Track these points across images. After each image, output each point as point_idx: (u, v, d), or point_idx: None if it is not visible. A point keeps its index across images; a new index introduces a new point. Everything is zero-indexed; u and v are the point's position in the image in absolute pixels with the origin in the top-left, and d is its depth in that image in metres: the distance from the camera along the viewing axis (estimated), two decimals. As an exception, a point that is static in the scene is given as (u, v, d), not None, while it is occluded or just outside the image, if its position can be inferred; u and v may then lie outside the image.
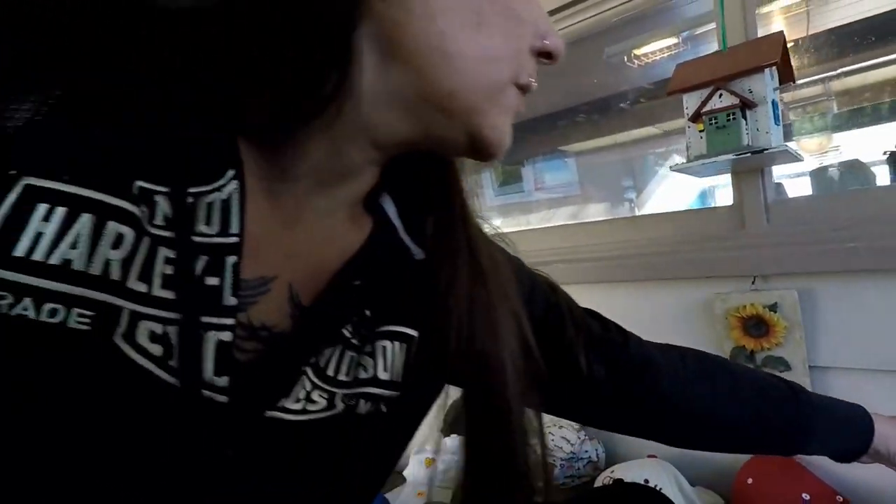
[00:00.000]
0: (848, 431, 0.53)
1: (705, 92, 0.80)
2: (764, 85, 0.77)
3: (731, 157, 0.76)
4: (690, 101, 0.82)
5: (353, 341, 0.31)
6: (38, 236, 0.22)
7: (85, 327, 0.23)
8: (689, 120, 0.81)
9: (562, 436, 1.00)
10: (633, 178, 1.93)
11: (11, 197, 0.22)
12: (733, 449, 0.57)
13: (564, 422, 1.02)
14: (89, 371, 0.23)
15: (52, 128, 0.23)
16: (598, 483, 0.90)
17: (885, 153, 0.90)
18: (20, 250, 0.22)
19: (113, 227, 0.24)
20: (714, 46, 0.96)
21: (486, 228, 0.40)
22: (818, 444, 0.53)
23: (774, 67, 0.78)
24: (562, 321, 0.46)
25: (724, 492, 0.86)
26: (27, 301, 0.22)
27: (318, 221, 0.33)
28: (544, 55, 0.33)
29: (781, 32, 0.79)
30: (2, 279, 0.22)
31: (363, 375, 0.32)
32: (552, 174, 1.71)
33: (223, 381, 0.26)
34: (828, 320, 0.79)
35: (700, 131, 0.80)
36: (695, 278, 0.89)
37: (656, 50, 1.39)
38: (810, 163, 1.09)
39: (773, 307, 0.80)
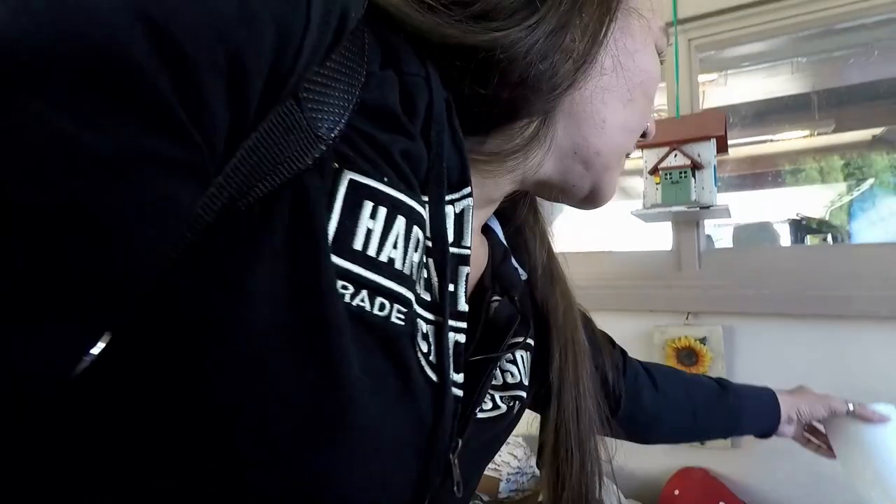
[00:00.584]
0: (763, 413, 0.67)
1: (663, 150, 0.93)
2: (709, 151, 0.91)
3: (683, 208, 0.89)
4: (649, 157, 0.94)
5: (504, 349, 0.35)
6: (369, 233, 0.23)
7: (401, 323, 0.24)
8: (648, 172, 0.94)
9: (509, 451, 1.05)
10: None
11: (342, 190, 0.23)
12: (681, 440, 0.69)
13: (512, 438, 1.07)
14: (395, 363, 0.24)
15: (360, 130, 0.24)
16: (541, 497, 0.97)
17: (788, 219, 1.09)
18: (357, 244, 0.23)
19: (416, 231, 0.26)
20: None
21: None
22: (744, 428, 0.67)
23: (716, 138, 0.93)
24: (597, 343, 0.52)
25: (651, 502, 0.96)
26: (364, 293, 0.23)
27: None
28: (642, 134, 0.40)
29: (725, 111, 0.94)
30: (346, 270, 0.22)
31: (511, 380, 0.35)
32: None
33: (460, 377, 0.28)
34: (744, 353, 0.93)
35: (657, 183, 0.93)
36: (638, 311, 1.01)
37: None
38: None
39: (703, 340, 0.94)
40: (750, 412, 0.66)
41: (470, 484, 0.34)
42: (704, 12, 0.97)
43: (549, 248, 0.42)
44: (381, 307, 0.23)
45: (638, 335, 1.01)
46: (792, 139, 2.04)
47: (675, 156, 0.91)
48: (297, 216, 0.21)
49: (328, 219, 0.22)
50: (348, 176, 0.23)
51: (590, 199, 0.38)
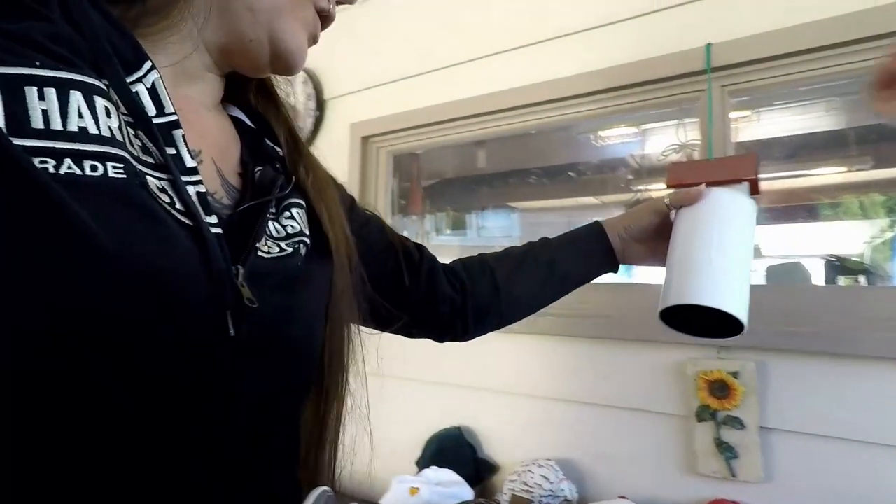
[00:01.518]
0: (587, 249, 0.67)
1: (696, 191, 0.97)
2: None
3: (715, 247, 0.93)
4: (683, 197, 0.99)
5: (276, 210, 0.40)
6: (46, 112, 0.25)
7: (122, 176, 0.27)
8: (681, 211, 0.98)
9: (542, 474, 1.09)
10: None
11: None
12: (498, 324, 0.66)
13: (544, 461, 1.11)
14: (137, 210, 0.28)
15: None
16: None
17: (822, 257, 1.12)
18: (37, 124, 0.25)
19: (99, 100, 0.28)
20: (661, 140, 1.27)
21: None
22: (575, 274, 0.66)
23: (749, 181, 0.97)
24: (382, 232, 0.57)
25: (683, 532, 0.99)
26: (68, 161, 0.25)
27: (208, 113, 0.40)
28: None
29: (756, 151, 0.99)
30: (35, 147, 0.25)
31: (292, 231, 0.40)
32: (496, 223, 1.87)
33: (213, 219, 0.32)
34: (777, 389, 0.96)
35: (690, 222, 0.97)
36: (671, 343, 1.04)
37: (616, 135, 1.62)
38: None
39: (735, 374, 0.97)
40: (569, 256, 0.65)
41: (292, 327, 0.37)
42: (737, 62, 1.03)
43: (288, 124, 0.46)
44: (94, 168, 0.26)
45: (670, 366, 1.04)
46: (829, 174, 2.05)
47: (708, 196, 0.96)
48: None
49: None
50: None
51: (277, 56, 0.40)
